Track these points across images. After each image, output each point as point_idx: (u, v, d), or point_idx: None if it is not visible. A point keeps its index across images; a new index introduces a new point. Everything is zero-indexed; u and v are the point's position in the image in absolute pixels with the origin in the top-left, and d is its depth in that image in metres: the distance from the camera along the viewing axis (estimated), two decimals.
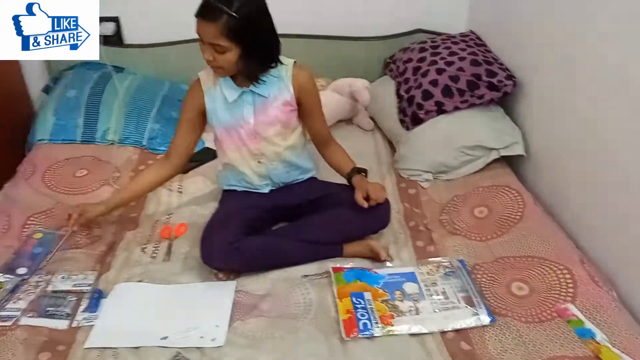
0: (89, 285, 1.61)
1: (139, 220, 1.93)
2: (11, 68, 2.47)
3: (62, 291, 1.58)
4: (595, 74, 1.72)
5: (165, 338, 1.45)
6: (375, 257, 1.73)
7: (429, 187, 2.11)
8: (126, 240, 1.83)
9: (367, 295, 1.58)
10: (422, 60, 2.34)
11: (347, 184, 1.80)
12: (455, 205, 1.98)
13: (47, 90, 2.52)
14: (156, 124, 2.33)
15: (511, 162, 2.18)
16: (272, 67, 1.66)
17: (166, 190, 2.07)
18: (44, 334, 1.45)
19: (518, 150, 2.11)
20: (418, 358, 1.39)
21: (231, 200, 1.85)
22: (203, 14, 1.51)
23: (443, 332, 1.47)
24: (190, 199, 2.04)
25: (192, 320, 1.52)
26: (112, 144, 2.27)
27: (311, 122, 1.81)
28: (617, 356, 1.33)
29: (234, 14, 1.48)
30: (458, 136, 2.11)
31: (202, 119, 1.76)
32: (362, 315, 1.50)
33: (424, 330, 1.47)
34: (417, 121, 2.22)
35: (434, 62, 2.28)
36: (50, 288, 1.59)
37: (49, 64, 2.58)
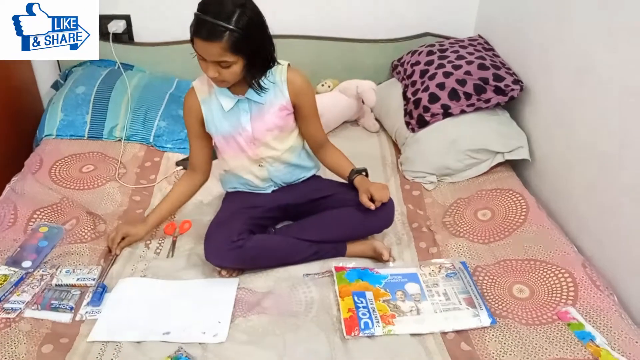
0: (93, 279, 1.62)
1: (144, 216, 1.94)
2: (21, 64, 2.50)
3: (66, 285, 1.60)
4: (602, 80, 1.72)
5: (167, 333, 1.47)
6: (378, 258, 1.74)
7: (433, 189, 2.11)
8: None
9: (369, 294, 1.58)
10: (429, 63, 2.35)
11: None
12: (458, 207, 1.99)
13: (56, 86, 2.55)
14: (163, 121, 2.34)
15: (516, 166, 2.18)
16: (271, 67, 1.63)
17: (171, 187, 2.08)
18: (47, 326, 1.47)
19: (523, 154, 2.12)
20: (418, 358, 1.40)
21: (234, 199, 1.86)
22: (203, 35, 1.44)
23: (443, 333, 1.47)
24: (195, 196, 2.04)
25: (194, 316, 1.53)
26: (119, 140, 2.29)
27: (306, 126, 1.78)
28: None
29: (236, 29, 1.43)
30: (463, 139, 2.12)
31: (203, 129, 1.75)
32: (364, 314, 1.51)
33: (425, 331, 1.48)
34: (422, 124, 2.22)
35: (442, 66, 2.29)
36: (54, 281, 1.61)
37: (58, 60, 2.60)
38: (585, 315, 1.48)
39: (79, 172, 2.10)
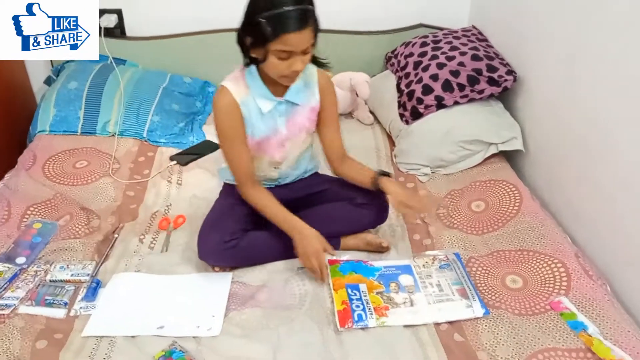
0: (88, 274, 1.62)
1: (138, 212, 1.94)
2: (13, 60, 2.48)
3: (60, 280, 1.60)
4: (596, 71, 1.72)
5: (161, 327, 1.47)
6: (374, 249, 1.74)
7: (427, 181, 2.11)
8: (125, 231, 1.84)
9: (363, 287, 1.59)
10: (423, 54, 2.34)
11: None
12: (452, 199, 1.99)
13: (48, 81, 2.54)
14: (156, 116, 2.34)
15: (510, 157, 2.18)
16: None
17: (165, 182, 2.09)
18: (42, 322, 1.47)
19: (517, 145, 2.12)
20: (411, 349, 1.40)
21: (231, 194, 1.84)
22: (296, 26, 1.38)
23: (437, 324, 1.48)
24: (190, 191, 2.05)
25: (188, 310, 1.54)
26: (112, 135, 2.29)
27: (326, 130, 1.72)
28: (608, 349, 1.34)
29: (313, 6, 1.41)
30: (457, 131, 2.12)
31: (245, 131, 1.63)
32: (357, 306, 1.51)
33: (418, 322, 1.48)
34: (416, 115, 2.22)
35: (435, 57, 2.28)
36: (48, 277, 1.61)
37: None
38: (578, 305, 1.48)
39: (72, 167, 2.10)
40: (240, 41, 1.50)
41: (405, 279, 1.62)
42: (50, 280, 1.60)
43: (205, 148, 2.28)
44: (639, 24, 1.52)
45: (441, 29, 2.60)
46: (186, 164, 2.19)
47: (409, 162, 2.17)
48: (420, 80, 2.24)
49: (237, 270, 1.68)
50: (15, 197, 1.90)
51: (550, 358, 1.35)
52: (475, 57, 2.22)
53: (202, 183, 2.08)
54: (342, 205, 1.75)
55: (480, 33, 2.47)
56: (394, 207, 1.65)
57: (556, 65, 1.94)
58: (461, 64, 2.20)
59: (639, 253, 1.55)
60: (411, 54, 2.40)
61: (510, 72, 2.18)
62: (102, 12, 2.49)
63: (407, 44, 2.50)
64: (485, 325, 1.46)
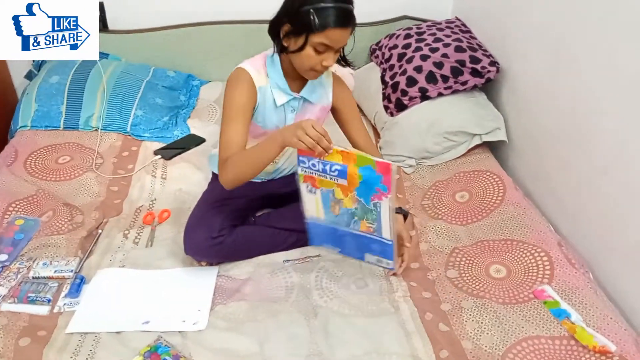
0: (71, 271, 1.61)
1: (122, 207, 1.93)
2: None
3: (43, 277, 1.58)
4: (578, 62, 1.73)
5: (147, 322, 1.46)
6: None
7: (412, 173, 2.12)
8: (109, 226, 1.83)
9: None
10: (407, 46, 2.34)
11: None
12: (437, 190, 2.00)
13: (29, 76, 2.50)
14: (140, 110, 2.32)
15: (493, 148, 2.19)
16: None
17: (150, 177, 2.07)
18: (25, 319, 1.45)
19: (500, 136, 2.13)
20: (397, 339, 1.41)
21: (219, 188, 1.82)
22: (343, 22, 1.44)
23: (422, 314, 1.49)
24: (174, 185, 2.04)
25: (173, 305, 1.53)
26: (95, 130, 2.26)
27: (349, 130, 1.73)
28: (591, 336, 1.36)
29: (353, 6, 1.47)
30: (441, 122, 2.12)
31: (252, 114, 1.61)
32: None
33: None
34: (401, 107, 2.22)
35: (419, 49, 2.28)
36: (31, 274, 1.59)
37: None
38: (561, 293, 1.50)
39: (55, 163, 2.08)
40: (275, 27, 1.52)
41: None
42: (33, 277, 1.58)
43: (190, 142, 2.26)
44: (622, 14, 1.53)
45: (425, 20, 2.60)
46: (170, 158, 2.17)
47: (394, 154, 2.18)
48: (404, 72, 2.24)
49: (223, 264, 1.68)
50: None
51: (534, 346, 1.37)
52: (458, 49, 2.22)
53: (187, 177, 2.07)
54: None
55: (463, 25, 2.47)
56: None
57: (539, 56, 1.95)
58: (445, 55, 2.21)
59: (621, 241, 1.57)
60: (395, 46, 2.40)
61: (494, 63, 2.18)
62: None
63: (391, 36, 2.50)
64: (470, 315, 1.48)
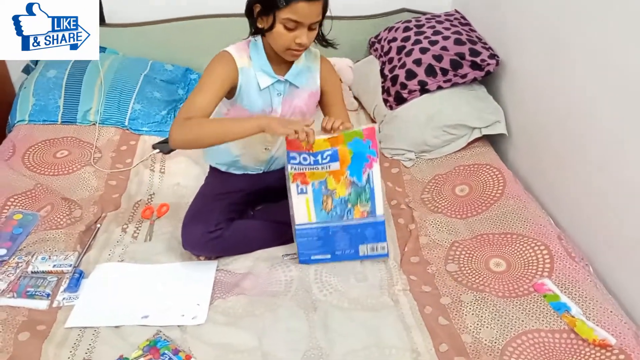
0: (70, 265, 1.60)
1: (120, 201, 1.92)
2: None
3: (42, 272, 1.58)
4: (578, 55, 1.72)
5: (146, 317, 1.46)
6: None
7: (412, 166, 2.11)
8: (107, 220, 1.82)
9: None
10: (406, 39, 2.33)
11: None
12: (436, 183, 1.99)
13: (27, 70, 2.49)
14: (138, 104, 2.30)
15: (493, 141, 2.19)
16: None
17: (148, 171, 2.07)
18: (24, 314, 1.45)
19: (500, 129, 2.12)
20: (396, 333, 1.41)
21: (216, 182, 1.82)
22: None
23: (422, 308, 1.49)
24: (173, 179, 2.03)
25: (173, 299, 1.53)
26: (93, 124, 2.25)
27: (331, 114, 1.71)
28: (591, 329, 1.36)
29: None
30: (441, 115, 2.11)
31: (227, 90, 1.57)
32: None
33: None
34: (400, 100, 2.22)
35: (418, 42, 2.27)
36: (30, 269, 1.59)
37: None
38: (561, 287, 1.50)
39: (53, 157, 2.07)
40: (249, 9, 1.52)
41: None
42: (32, 272, 1.58)
43: None
44: (620, 8, 1.52)
45: (424, 13, 2.58)
46: (169, 152, 2.16)
47: (394, 148, 2.17)
48: (403, 65, 2.23)
49: (222, 258, 1.67)
50: None
51: (534, 339, 1.37)
52: (458, 42, 2.21)
53: (186, 171, 2.07)
54: None
55: (463, 17, 2.46)
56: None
57: (539, 49, 1.94)
58: (444, 48, 2.20)
59: (620, 234, 1.57)
60: (394, 39, 2.39)
61: (493, 56, 2.17)
62: None
63: (390, 29, 2.49)
64: (470, 308, 1.48)
